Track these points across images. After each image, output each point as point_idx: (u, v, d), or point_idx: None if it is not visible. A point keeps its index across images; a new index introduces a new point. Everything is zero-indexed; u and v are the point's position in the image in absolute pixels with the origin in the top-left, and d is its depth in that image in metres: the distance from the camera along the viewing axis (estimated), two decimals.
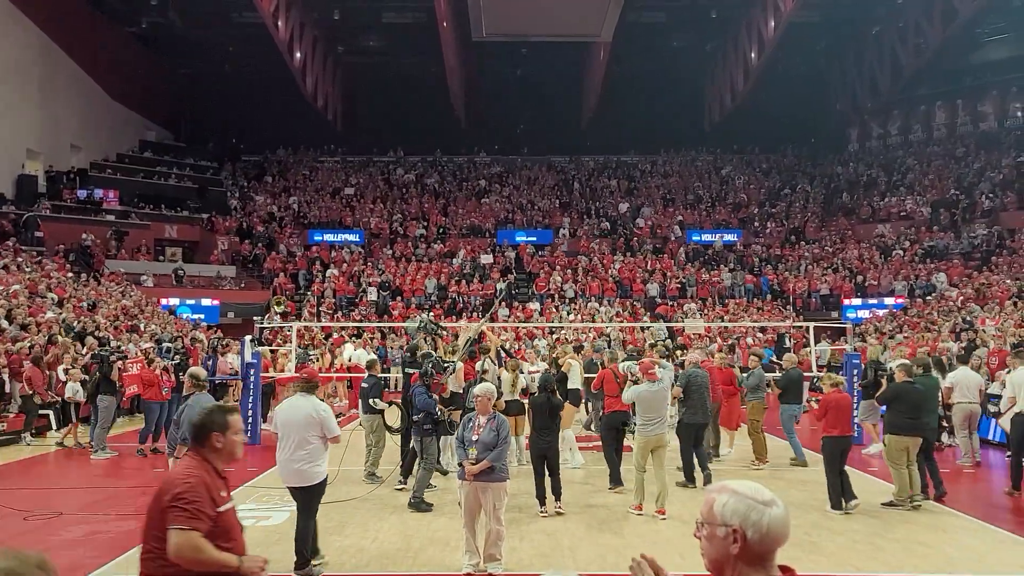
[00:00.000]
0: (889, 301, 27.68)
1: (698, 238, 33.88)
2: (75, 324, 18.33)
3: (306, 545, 6.35)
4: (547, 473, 8.30)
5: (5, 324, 16.32)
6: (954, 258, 29.26)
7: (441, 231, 34.47)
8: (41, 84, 29.65)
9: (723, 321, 26.03)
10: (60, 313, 19.14)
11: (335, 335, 23.82)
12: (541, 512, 8.23)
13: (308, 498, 6.34)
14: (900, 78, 35.32)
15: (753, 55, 34.21)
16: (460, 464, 6.46)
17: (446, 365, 9.48)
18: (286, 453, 6.31)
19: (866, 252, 31.48)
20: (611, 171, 40.75)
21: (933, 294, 26.66)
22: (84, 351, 15.68)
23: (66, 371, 14.59)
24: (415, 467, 9.31)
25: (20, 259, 23.22)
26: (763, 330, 25.84)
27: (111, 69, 33.84)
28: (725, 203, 37.02)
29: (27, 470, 11.55)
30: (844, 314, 27.27)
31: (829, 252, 32.23)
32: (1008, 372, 10.58)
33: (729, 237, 33.85)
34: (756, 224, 35.36)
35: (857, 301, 28.40)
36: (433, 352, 10.08)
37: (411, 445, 9.44)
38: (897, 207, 34.10)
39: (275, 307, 25.82)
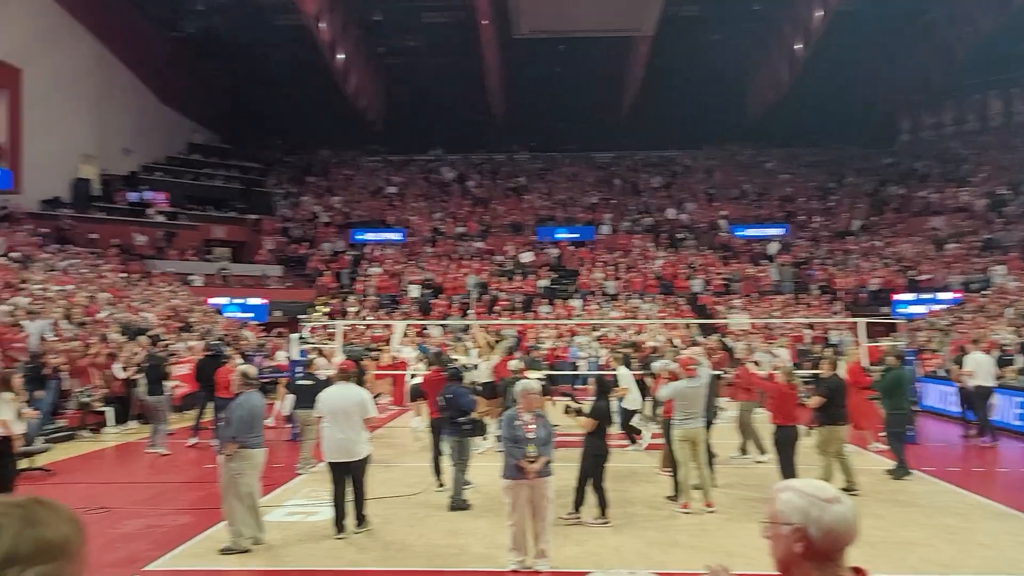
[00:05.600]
0: (944, 296, 26.95)
1: (742, 233, 33.43)
2: (130, 323, 18.81)
3: (363, 504, 7.49)
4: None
5: (64, 324, 16.80)
6: (1012, 251, 28.39)
7: (482, 229, 34.56)
8: (96, 90, 30.44)
9: (770, 317, 25.60)
10: (113, 312, 19.65)
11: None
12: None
13: (359, 469, 7.41)
14: (952, 67, 34.40)
15: (798, 46, 33.60)
16: (517, 465, 6.35)
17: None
18: (335, 433, 7.33)
19: (919, 246, 30.72)
20: (652, 166, 40.39)
21: (990, 288, 25.89)
22: (138, 349, 16.06)
23: (124, 368, 14.98)
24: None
25: (77, 260, 23.93)
26: (810, 327, 25.39)
27: (161, 74, 34.62)
28: (770, 198, 36.46)
29: (84, 465, 11.88)
30: (895, 309, 26.64)
31: (879, 246, 31.53)
32: None
33: (774, 232, 33.32)
34: (802, 218, 34.76)
35: (910, 296, 27.70)
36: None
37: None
38: (951, 199, 33.20)
39: (320, 308, 26.23)
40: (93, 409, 14.65)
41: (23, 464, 10.46)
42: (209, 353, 14.44)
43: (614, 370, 13.45)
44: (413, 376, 15.18)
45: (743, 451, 11.50)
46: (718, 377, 12.33)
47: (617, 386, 11.91)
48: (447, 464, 9.29)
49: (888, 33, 36.82)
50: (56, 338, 15.43)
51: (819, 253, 31.65)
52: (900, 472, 10.00)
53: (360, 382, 11.38)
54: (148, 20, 33.35)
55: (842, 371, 10.45)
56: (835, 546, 1.88)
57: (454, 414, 8.64)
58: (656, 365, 10.79)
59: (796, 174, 38.83)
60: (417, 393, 13.10)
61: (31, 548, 0.47)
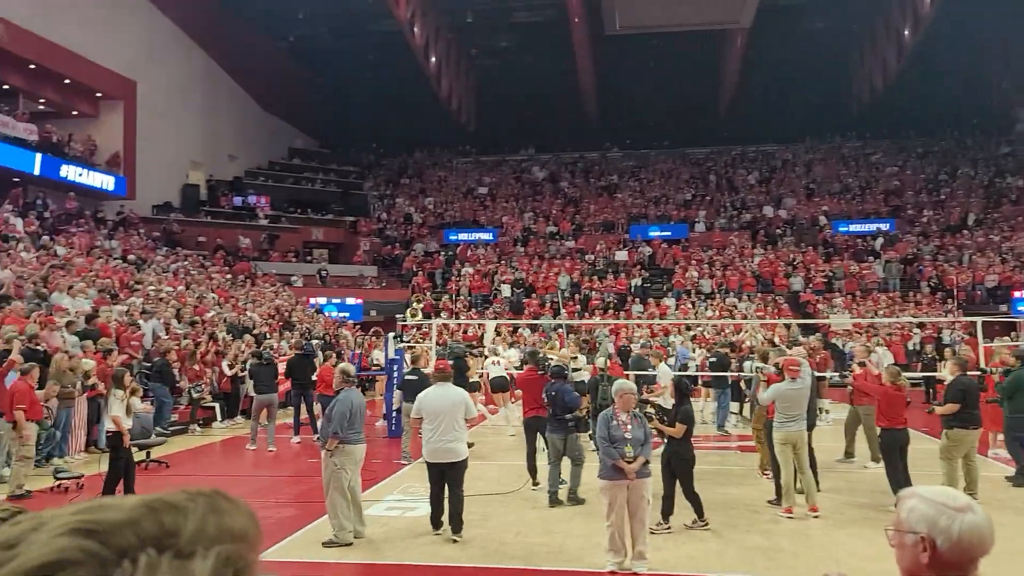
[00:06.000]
0: None
1: (845, 229, 32.12)
2: (236, 322, 19.63)
3: (462, 510, 7.22)
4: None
5: (175, 323, 17.67)
6: None
7: (574, 228, 34.42)
8: (202, 100, 31.94)
9: (875, 316, 24.48)
10: (221, 312, 20.55)
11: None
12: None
13: (458, 472, 7.21)
14: None
15: (906, 32, 32.03)
16: (614, 465, 6.25)
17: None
18: (437, 435, 7.18)
19: None
20: (749, 161, 39.34)
21: None
22: (243, 347, 16.72)
23: (230, 366, 15.64)
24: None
25: (186, 262, 25.17)
26: (921, 326, 24.17)
27: (263, 82, 36.01)
28: (874, 191, 34.92)
29: (196, 458, 12.45)
30: (1015, 308, 25.03)
31: (996, 241, 29.71)
32: None
33: (880, 227, 31.87)
34: (911, 212, 33.13)
35: None
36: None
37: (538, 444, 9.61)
38: None
39: (413, 305, 26.67)
40: (203, 405, 15.36)
41: (140, 456, 11.07)
42: (300, 352, 14.90)
43: (654, 367, 13.15)
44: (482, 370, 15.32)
45: (849, 455, 11.01)
46: (821, 378, 11.88)
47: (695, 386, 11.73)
48: (541, 461, 9.31)
49: (1003, 14, 34.61)
50: (168, 336, 16.25)
51: (929, 249, 30.09)
52: (1021, 479, 9.45)
53: (463, 379, 11.58)
54: (251, 31, 34.71)
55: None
56: (965, 557, 1.75)
57: (558, 411, 8.62)
58: (749, 364, 10.43)
59: (904, 166, 37.06)
60: (498, 386, 13.33)
61: (216, 532, 0.52)
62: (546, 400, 8.90)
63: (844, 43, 37.53)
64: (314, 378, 14.16)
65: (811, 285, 28.46)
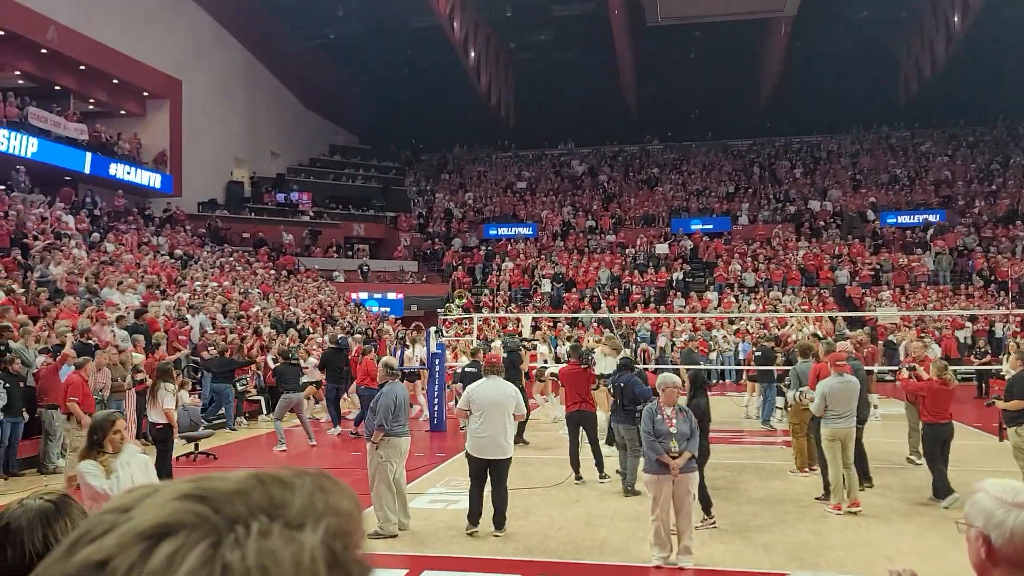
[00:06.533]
0: None
1: (894, 220, 31.40)
2: (280, 317, 19.90)
3: (506, 506, 7.14)
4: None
5: (221, 318, 17.96)
6: None
7: (614, 222, 34.21)
8: (245, 98, 32.39)
9: (924, 309, 23.89)
10: (265, 306, 20.85)
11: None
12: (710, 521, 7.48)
13: (504, 468, 7.13)
14: None
15: (955, 18, 31.15)
16: (659, 459, 6.20)
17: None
18: (489, 429, 7.05)
19: None
20: (794, 153, 38.67)
21: None
22: (287, 341, 16.93)
23: (274, 360, 15.83)
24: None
25: (231, 258, 25.57)
26: (973, 319, 23.54)
27: (304, 80, 36.41)
28: (924, 182, 34.07)
29: (242, 451, 12.65)
30: None
31: None
32: None
33: (929, 218, 31.09)
34: (962, 203, 32.26)
35: None
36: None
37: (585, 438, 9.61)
38: None
39: (456, 301, 26.76)
40: (248, 398, 15.58)
41: (188, 448, 11.30)
42: (334, 346, 15.02)
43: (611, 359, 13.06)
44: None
45: (918, 452, 10.70)
46: (869, 372, 11.63)
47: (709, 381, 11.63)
48: (583, 455, 9.29)
49: None
50: (214, 331, 16.52)
51: (981, 240, 29.29)
52: None
53: (517, 372, 11.59)
54: (291, 29, 35.12)
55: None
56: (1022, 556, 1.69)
57: (627, 403, 8.61)
58: (792, 394, 9.91)
59: (954, 155, 36.10)
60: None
61: (323, 507, 0.55)
62: (613, 391, 8.91)
63: (891, 30, 36.68)
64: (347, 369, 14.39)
65: (857, 278, 27.91)
